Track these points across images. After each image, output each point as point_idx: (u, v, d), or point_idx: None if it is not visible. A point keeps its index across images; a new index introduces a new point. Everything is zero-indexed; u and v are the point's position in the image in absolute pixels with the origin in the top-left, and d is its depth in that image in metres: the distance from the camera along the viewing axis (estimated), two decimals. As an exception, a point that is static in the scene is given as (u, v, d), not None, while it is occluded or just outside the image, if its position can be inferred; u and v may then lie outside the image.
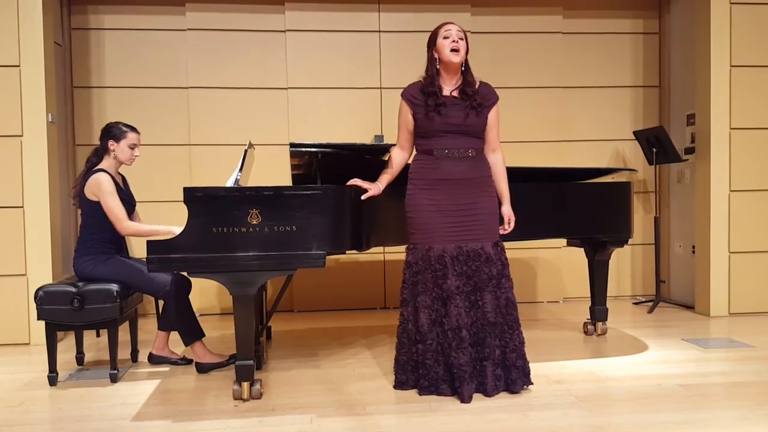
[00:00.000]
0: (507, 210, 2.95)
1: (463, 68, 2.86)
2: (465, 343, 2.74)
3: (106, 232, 3.26)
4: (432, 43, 2.87)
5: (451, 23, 2.86)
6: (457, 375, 2.74)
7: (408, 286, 2.86)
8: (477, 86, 2.86)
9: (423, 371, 2.81)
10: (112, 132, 3.34)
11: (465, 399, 2.71)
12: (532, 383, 2.90)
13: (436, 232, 2.79)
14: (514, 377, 2.83)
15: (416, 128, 2.87)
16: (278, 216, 2.68)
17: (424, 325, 2.78)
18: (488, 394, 2.77)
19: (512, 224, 2.95)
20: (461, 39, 2.81)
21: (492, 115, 2.89)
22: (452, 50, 2.78)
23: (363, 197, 2.84)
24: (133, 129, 3.39)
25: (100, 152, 3.37)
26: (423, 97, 2.82)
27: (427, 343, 2.78)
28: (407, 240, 2.91)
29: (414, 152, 2.96)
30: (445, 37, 2.81)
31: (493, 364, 2.79)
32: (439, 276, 2.77)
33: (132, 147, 3.36)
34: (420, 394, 2.82)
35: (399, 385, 2.92)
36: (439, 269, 2.77)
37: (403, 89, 2.91)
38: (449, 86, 2.85)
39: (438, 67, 2.84)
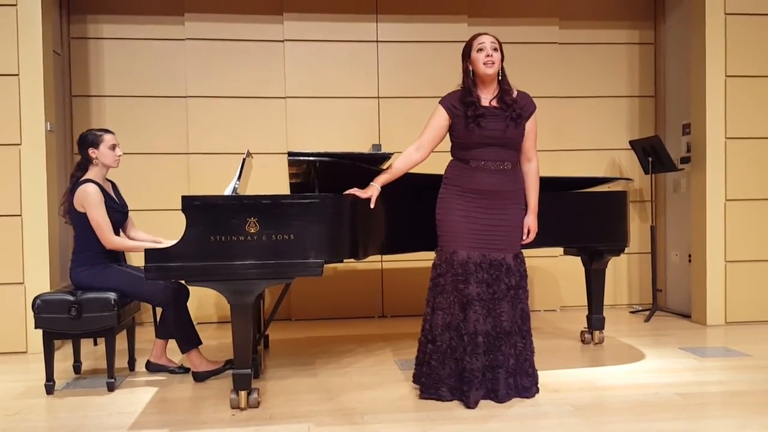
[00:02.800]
0: (530, 220, 2.95)
1: (499, 77, 2.86)
2: (479, 349, 2.76)
3: (100, 242, 3.23)
4: (466, 55, 2.87)
5: (485, 34, 2.85)
6: (467, 379, 2.75)
7: (431, 286, 2.90)
8: (515, 95, 2.86)
9: (426, 369, 2.85)
10: (88, 140, 3.30)
11: (471, 404, 2.73)
12: (539, 391, 2.93)
13: (463, 238, 2.81)
14: (527, 385, 2.88)
15: (454, 138, 2.89)
16: (276, 225, 2.68)
17: (437, 327, 2.81)
18: (500, 400, 2.80)
19: (532, 236, 2.95)
20: (495, 50, 2.81)
21: (530, 125, 2.89)
22: (485, 63, 2.79)
23: (371, 206, 2.84)
24: (107, 131, 3.36)
25: (83, 164, 3.33)
26: (462, 107, 2.82)
27: (437, 344, 2.81)
28: (407, 248, 2.93)
29: (427, 155, 2.95)
30: (479, 50, 2.81)
31: (506, 372, 2.82)
32: (461, 281, 2.78)
33: (112, 148, 3.32)
34: (420, 395, 2.86)
35: (414, 377, 3.02)
36: (461, 274, 2.78)
37: (441, 98, 2.91)
38: (487, 95, 2.85)
39: (473, 78, 2.85)
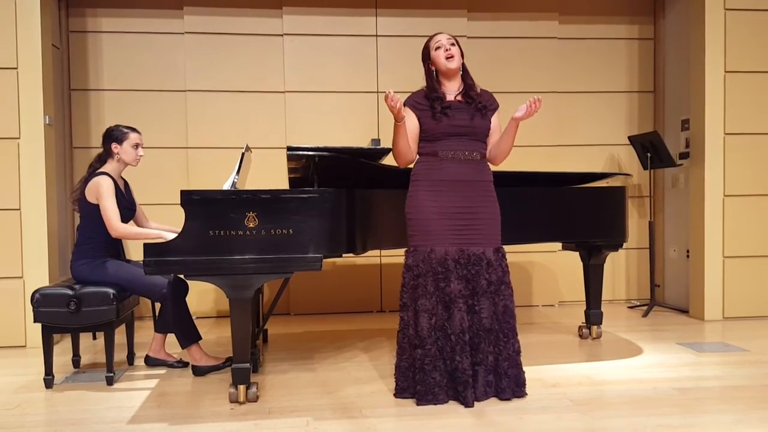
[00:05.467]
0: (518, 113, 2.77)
1: (462, 72, 2.90)
2: (467, 346, 2.74)
3: (103, 235, 3.25)
4: (426, 57, 2.92)
5: (440, 33, 2.92)
6: (460, 379, 2.72)
7: (408, 289, 2.82)
8: (478, 90, 2.92)
9: (420, 376, 2.75)
10: (114, 135, 3.35)
11: (469, 403, 2.70)
12: (526, 394, 2.86)
13: (439, 235, 2.77)
14: (503, 386, 2.80)
15: (421, 132, 2.87)
16: (275, 219, 2.68)
17: (423, 330, 2.74)
18: (478, 398, 2.76)
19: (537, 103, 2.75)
20: (453, 45, 2.86)
21: (495, 121, 2.94)
22: (447, 58, 2.83)
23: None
24: (134, 129, 3.42)
25: (104, 156, 3.39)
26: (428, 102, 2.84)
27: (426, 347, 2.74)
28: (406, 243, 2.91)
29: (416, 157, 2.92)
30: (437, 48, 2.87)
31: (485, 370, 2.78)
32: (441, 279, 2.75)
33: (135, 147, 3.39)
34: (418, 403, 2.75)
35: (400, 392, 2.86)
36: (441, 272, 2.75)
37: (406, 98, 2.89)
38: (452, 92, 2.89)
39: (437, 78, 2.89)
